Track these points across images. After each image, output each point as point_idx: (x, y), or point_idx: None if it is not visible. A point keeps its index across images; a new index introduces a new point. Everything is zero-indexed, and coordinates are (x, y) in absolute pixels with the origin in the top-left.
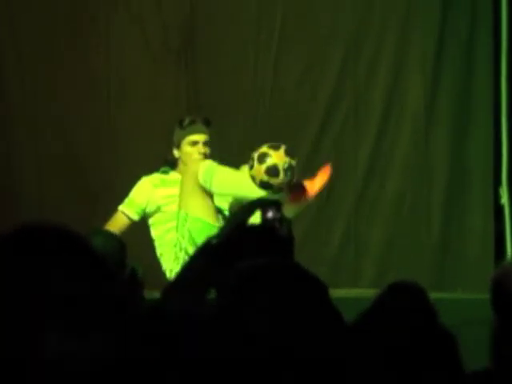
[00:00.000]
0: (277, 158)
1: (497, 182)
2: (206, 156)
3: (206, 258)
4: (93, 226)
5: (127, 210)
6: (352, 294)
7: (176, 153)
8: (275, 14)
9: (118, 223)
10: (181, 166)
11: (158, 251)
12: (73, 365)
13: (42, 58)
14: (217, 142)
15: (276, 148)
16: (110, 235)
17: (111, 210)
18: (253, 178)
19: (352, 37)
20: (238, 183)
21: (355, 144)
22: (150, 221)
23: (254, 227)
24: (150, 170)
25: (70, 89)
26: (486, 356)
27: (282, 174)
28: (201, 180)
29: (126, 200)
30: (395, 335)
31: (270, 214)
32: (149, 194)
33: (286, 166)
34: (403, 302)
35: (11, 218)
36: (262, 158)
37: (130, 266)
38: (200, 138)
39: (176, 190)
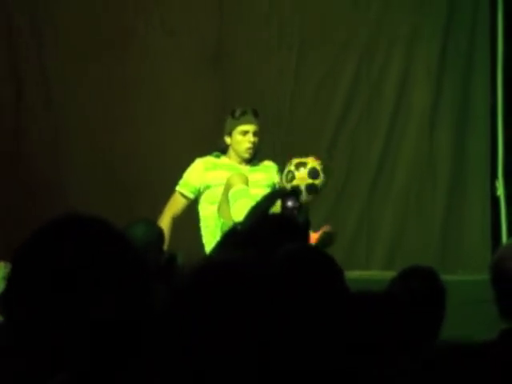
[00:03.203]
0: (312, 162)
1: (493, 176)
2: (254, 145)
3: (232, 242)
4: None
5: (183, 190)
6: (364, 275)
7: (228, 140)
8: (296, 26)
9: (177, 202)
10: (231, 152)
11: (204, 232)
12: None
13: (87, 66)
14: None
15: (306, 156)
16: (150, 224)
17: (146, 205)
18: (298, 187)
19: (365, 47)
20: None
21: (368, 141)
22: (200, 200)
23: (275, 215)
24: (183, 170)
25: (111, 94)
26: (482, 331)
27: (321, 174)
28: (229, 195)
29: (181, 181)
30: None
31: (289, 203)
32: (201, 175)
33: (321, 167)
34: (419, 283)
35: (59, 209)
36: (300, 166)
37: (169, 253)
38: (250, 128)
39: (225, 173)
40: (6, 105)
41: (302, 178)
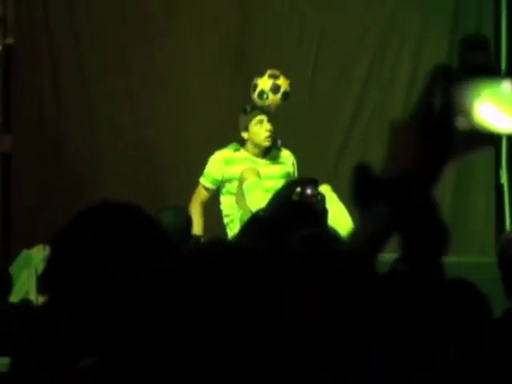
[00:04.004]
0: (283, 83)
1: (497, 165)
2: (271, 132)
3: (253, 228)
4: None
5: (205, 182)
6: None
7: (245, 135)
8: (316, 25)
9: (201, 193)
10: (249, 145)
11: (225, 219)
12: None
13: (120, 66)
14: None
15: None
16: (179, 211)
17: (168, 196)
18: (262, 92)
19: (378, 46)
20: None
21: (381, 134)
22: (222, 190)
23: (294, 202)
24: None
25: (136, 92)
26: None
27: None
28: (243, 188)
29: (203, 174)
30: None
31: (308, 191)
32: (221, 169)
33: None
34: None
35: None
36: (276, 89)
37: (196, 236)
38: (264, 117)
39: (244, 168)
40: (47, 100)
41: (264, 83)
